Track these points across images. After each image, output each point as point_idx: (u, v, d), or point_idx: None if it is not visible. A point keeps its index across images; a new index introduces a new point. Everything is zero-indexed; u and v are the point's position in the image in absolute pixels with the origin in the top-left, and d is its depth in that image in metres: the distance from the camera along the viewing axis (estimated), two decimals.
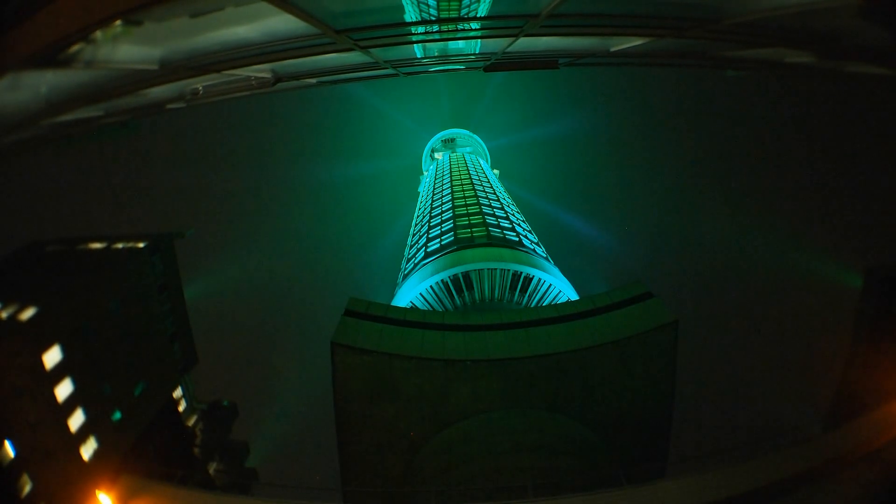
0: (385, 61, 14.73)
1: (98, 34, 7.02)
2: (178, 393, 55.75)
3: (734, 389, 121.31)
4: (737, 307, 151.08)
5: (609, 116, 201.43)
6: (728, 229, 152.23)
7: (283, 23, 8.27)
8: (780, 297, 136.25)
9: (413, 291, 43.68)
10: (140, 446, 40.52)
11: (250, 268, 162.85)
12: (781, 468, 19.36)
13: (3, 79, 7.03)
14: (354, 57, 12.52)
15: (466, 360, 28.28)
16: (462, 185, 74.66)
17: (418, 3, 11.63)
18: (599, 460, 27.78)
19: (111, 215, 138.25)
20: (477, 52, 16.42)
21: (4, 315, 34.16)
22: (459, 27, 13.32)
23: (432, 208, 67.09)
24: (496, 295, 42.03)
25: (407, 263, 54.75)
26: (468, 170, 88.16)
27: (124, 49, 8.12)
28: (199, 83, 11.78)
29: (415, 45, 14.51)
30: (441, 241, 50.59)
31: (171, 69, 9.23)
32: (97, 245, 47.30)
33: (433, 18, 12.34)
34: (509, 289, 42.26)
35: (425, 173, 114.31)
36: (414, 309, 38.73)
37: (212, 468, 57.82)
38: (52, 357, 33.92)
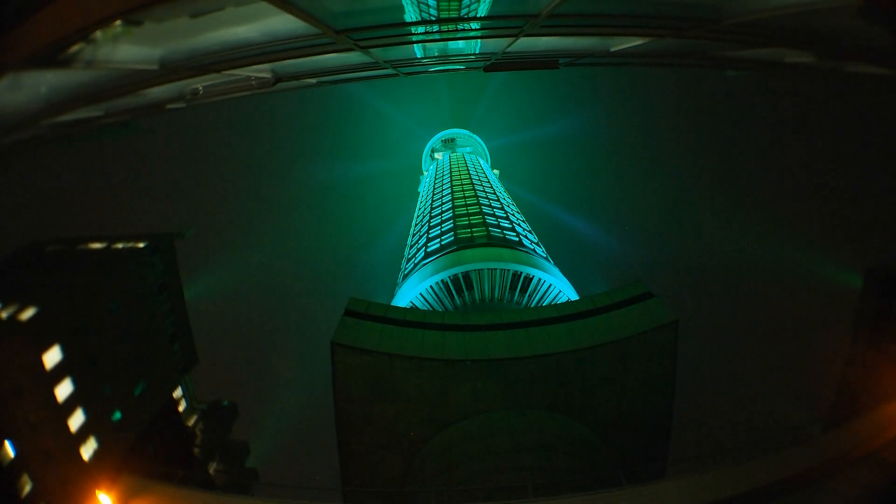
0: (385, 61, 14.73)
1: (98, 34, 7.03)
2: (178, 393, 55.75)
3: (734, 389, 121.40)
4: (737, 307, 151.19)
5: (609, 116, 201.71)
6: (728, 229, 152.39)
7: (283, 23, 8.28)
8: (780, 297, 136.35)
9: (413, 291, 43.68)
10: (140, 446, 40.52)
11: (250, 268, 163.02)
12: (781, 468, 19.35)
13: (3, 79, 7.03)
14: (354, 57, 12.52)
15: (466, 360, 28.28)
16: (462, 185, 74.65)
17: (418, 3, 11.63)
18: (599, 460, 27.78)
19: (111, 215, 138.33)
20: (477, 52, 16.42)
21: (4, 315, 34.16)
22: (459, 27, 13.32)
23: (432, 208, 67.08)
24: (496, 295, 42.03)
25: (407, 263, 54.75)
26: (468, 170, 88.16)
27: (124, 49, 8.12)
28: (199, 83, 11.79)
29: (415, 45, 14.51)
30: (441, 241, 50.59)
31: (171, 69, 9.23)
32: (97, 245, 47.31)
33: (433, 18, 12.34)
34: (509, 289, 42.26)
35: (425, 173, 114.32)
36: (414, 309, 38.73)
37: (212, 468, 57.82)
38: (52, 357, 33.91)
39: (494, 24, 11.78)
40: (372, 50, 12.20)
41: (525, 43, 12.79)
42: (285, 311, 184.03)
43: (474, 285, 42.02)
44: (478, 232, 50.35)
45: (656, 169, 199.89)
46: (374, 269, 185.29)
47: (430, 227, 58.30)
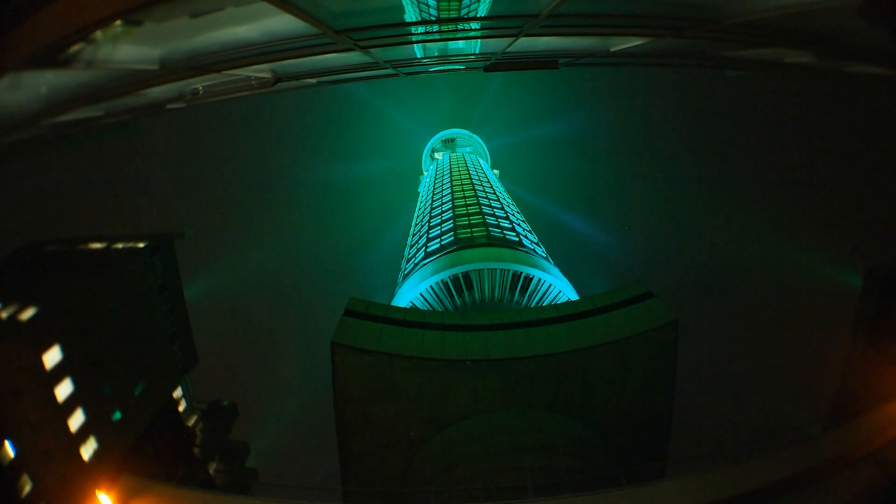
0: (385, 61, 14.73)
1: (98, 34, 7.03)
2: (178, 393, 55.73)
3: (734, 389, 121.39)
4: (737, 307, 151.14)
5: (609, 116, 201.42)
6: (728, 229, 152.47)
7: (283, 23, 8.28)
8: (781, 298, 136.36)
9: (413, 291, 43.68)
10: (140, 446, 40.52)
11: (250, 268, 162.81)
12: (781, 468, 19.35)
13: (3, 79, 7.03)
14: (354, 57, 12.52)
15: (466, 360, 28.28)
16: (462, 185, 74.65)
17: (418, 3, 11.63)
18: (599, 460, 27.79)
19: (111, 215, 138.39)
20: (477, 52, 16.42)
21: (4, 315, 34.16)
22: (459, 27, 13.32)
23: (432, 208, 67.09)
24: (496, 295, 42.03)
25: (407, 263, 54.76)
26: (468, 170, 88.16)
27: (124, 49, 8.12)
28: (199, 83, 11.79)
29: (415, 45, 14.51)
30: (441, 241, 50.59)
31: (171, 69, 9.23)
32: (97, 245, 47.30)
33: (433, 18, 12.34)
34: (509, 289, 42.26)
35: (425, 173, 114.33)
36: (414, 309, 38.74)
37: (212, 468, 57.82)
38: (52, 357, 33.91)
39: (494, 24, 11.78)
40: (372, 50, 12.20)
41: (525, 43, 12.79)
42: (285, 311, 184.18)
43: (474, 285, 42.02)
44: (478, 232, 50.35)
45: (656, 169, 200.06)
46: (374, 269, 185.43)
47: (430, 227, 58.30)
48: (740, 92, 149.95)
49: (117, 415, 38.98)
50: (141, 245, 46.52)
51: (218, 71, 10.58)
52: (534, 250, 49.27)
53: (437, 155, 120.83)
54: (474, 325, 30.61)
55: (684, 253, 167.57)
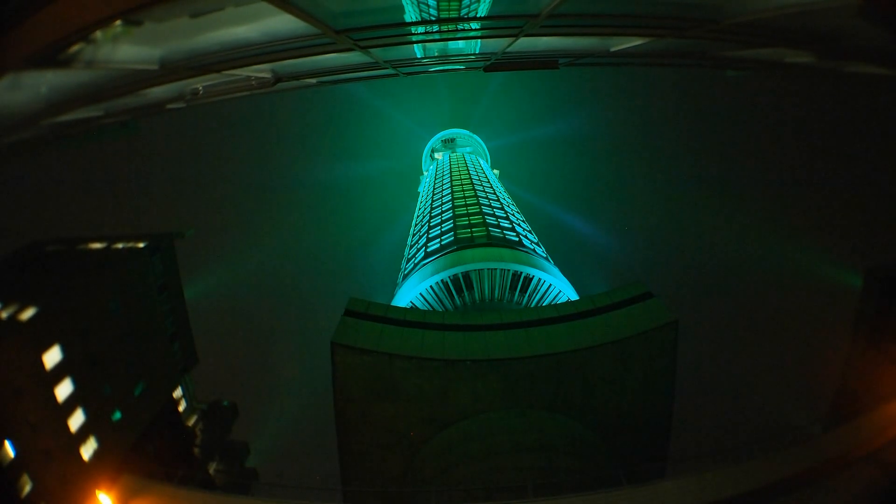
0: (385, 61, 14.73)
1: (98, 34, 7.03)
2: (178, 393, 55.70)
3: (734, 389, 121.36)
4: (737, 307, 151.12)
5: (609, 116, 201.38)
6: (728, 229, 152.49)
7: (283, 23, 8.28)
8: (781, 298, 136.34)
9: (413, 291, 43.68)
10: (140, 446, 40.52)
11: (250, 268, 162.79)
12: (781, 468, 19.35)
13: (3, 79, 7.03)
14: (354, 57, 12.52)
15: (466, 360, 28.28)
16: (462, 185, 74.66)
17: (418, 3, 11.63)
18: (599, 460, 27.79)
19: (111, 215, 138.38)
20: (477, 52, 16.42)
21: (4, 315, 34.15)
22: (459, 27, 13.33)
23: (432, 208, 67.09)
24: (496, 295, 42.03)
25: (407, 263, 54.76)
26: (468, 170, 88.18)
27: (124, 49, 8.12)
28: (199, 83, 11.78)
29: (415, 45, 14.51)
30: (441, 241, 50.60)
31: (171, 69, 9.23)
32: (97, 245, 47.30)
33: (433, 18, 12.34)
34: (509, 289, 42.26)
35: (425, 173, 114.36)
36: (414, 309, 38.74)
37: (212, 468, 57.80)
38: (52, 357, 33.91)
39: (494, 24, 11.78)
40: (372, 50, 12.21)
41: (525, 43, 12.79)
42: (285, 311, 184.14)
43: (474, 285, 42.02)
44: (478, 232, 50.36)
45: (656, 169, 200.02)
46: (374, 269, 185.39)
47: (430, 227, 58.31)
48: (740, 92, 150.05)
49: (117, 415, 38.98)
50: (141, 245, 46.52)
51: (218, 71, 10.59)
52: (534, 250, 49.27)
53: (437, 155, 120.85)
54: (474, 325, 30.62)
55: (684, 253, 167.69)
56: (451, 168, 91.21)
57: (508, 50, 13.93)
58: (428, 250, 49.93)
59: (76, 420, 35.02)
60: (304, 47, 10.28)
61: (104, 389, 38.05)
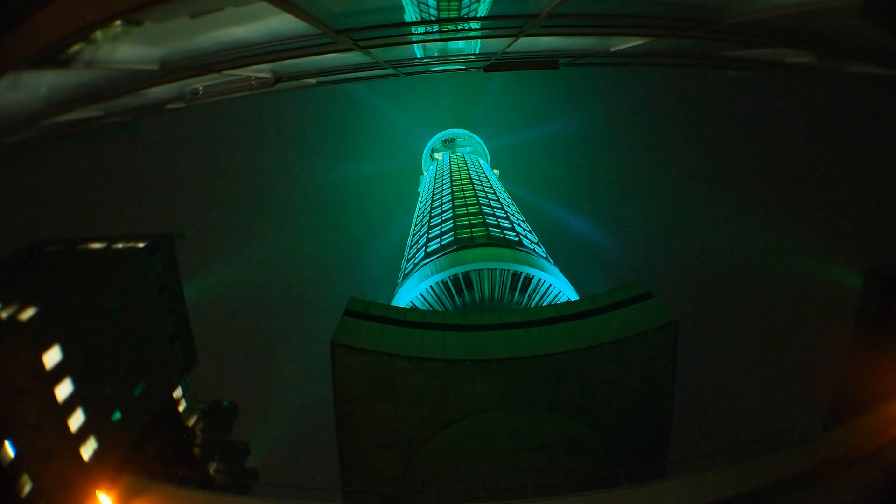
0: (385, 61, 14.73)
1: (98, 34, 7.02)
2: (178, 393, 55.70)
3: (734, 389, 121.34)
4: (737, 307, 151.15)
5: (609, 116, 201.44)
6: (728, 229, 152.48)
7: (283, 23, 8.27)
8: (781, 297, 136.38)
9: (413, 291, 43.68)
10: (140, 446, 40.52)
11: (250, 268, 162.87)
12: (781, 468, 19.34)
13: (3, 79, 7.03)
14: (354, 57, 12.52)
15: (466, 360, 28.29)
16: (462, 185, 74.67)
17: (418, 3, 11.64)
18: (599, 460, 27.78)
19: (111, 215, 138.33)
20: (477, 52, 16.43)
21: (4, 315, 34.16)
22: (459, 27, 13.33)
23: (432, 208, 67.10)
24: (496, 295, 42.03)
25: (407, 263, 54.76)
26: (468, 170, 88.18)
27: (124, 49, 8.12)
28: (199, 83, 11.78)
29: (415, 45, 14.51)
30: (441, 241, 50.60)
31: (171, 69, 9.23)
32: (97, 245, 47.30)
33: (433, 18, 12.34)
34: (509, 289, 42.27)
35: (425, 173, 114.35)
36: (414, 309, 38.74)
37: (212, 468, 57.80)
38: (52, 357, 33.92)
39: (494, 24, 11.78)
40: (372, 50, 12.21)
41: (525, 43, 12.79)
42: (285, 311, 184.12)
43: (474, 285, 42.02)
44: (478, 232, 50.36)
45: (656, 169, 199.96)
46: (374, 269, 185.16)
47: (430, 227, 58.31)
48: (740, 92, 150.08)
49: (117, 415, 38.98)
50: (141, 245, 46.52)
51: (218, 71, 10.58)
52: (534, 250, 49.28)
53: (437, 155, 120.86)
54: (474, 325, 30.62)
55: (684, 253, 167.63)
56: (451, 168, 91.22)
57: (508, 50, 13.93)
58: (428, 250, 49.93)
59: (76, 420, 35.03)
60: (304, 47, 10.28)
61: (104, 389, 38.05)
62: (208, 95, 13.35)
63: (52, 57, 7.23)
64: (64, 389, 34.48)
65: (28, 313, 34.24)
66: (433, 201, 71.14)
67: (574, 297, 43.09)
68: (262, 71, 12.02)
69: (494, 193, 72.00)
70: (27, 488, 31.84)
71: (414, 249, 56.07)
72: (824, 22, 8.93)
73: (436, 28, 13.11)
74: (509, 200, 73.94)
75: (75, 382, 35.25)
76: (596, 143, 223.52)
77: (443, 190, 75.31)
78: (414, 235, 63.33)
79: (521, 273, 42.52)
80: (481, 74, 18.95)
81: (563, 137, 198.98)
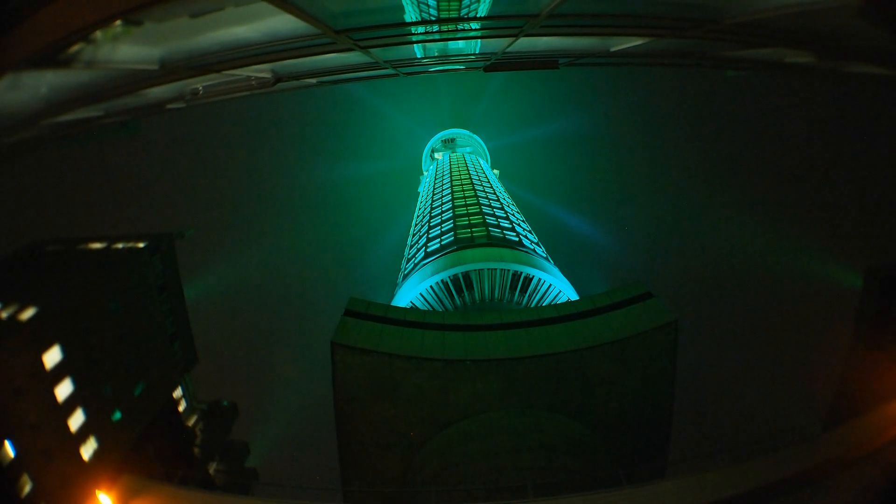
0: (385, 61, 14.73)
1: (98, 34, 7.02)
2: (178, 393, 55.70)
3: (734, 389, 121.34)
4: (737, 307, 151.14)
5: (609, 116, 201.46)
6: (728, 229, 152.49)
7: (283, 23, 8.27)
8: (781, 297, 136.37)
9: (413, 291, 43.68)
10: (140, 446, 40.52)
11: (250, 268, 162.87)
12: (781, 468, 19.33)
13: (3, 79, 7.02)
14: (354, 57, 12.52)
15: (466, 360, 28.29)
16: (462, 185, 74.67)
17: (418, 3, 11.64)
18: (599, 460, 27.78)
19: (111, 215, 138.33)
20: (477, 52, 16.43)
21: (4, 315, 34.16)
22: (459, 27, 13.33)
23: (432, 208, 67.10)
24: (496, 295, 42.03)
25: (407, 263, 54.76)
26: (468, 170, 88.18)
27: (124, 49, 8.12)
28: (199, 83, 11.78)
29: (415, 45, 14.51)
30: (441, 241, 50.60)
31: (171, 69, 9.23)
32: (97, 245, 47.30)
33: (433, 18, 12.35)
34: (509, 289, 42.26)
35: (425, 173, 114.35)
36: (414, 309, 38.74)
37: (212, 468, 57.80)
38: (52, 357, 33.91)
39: (494, 24, 11.78)
40: (372, 50, 12.21)
41: (525, 43, 12.79)
42: (285, 311, 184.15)
43: (474, 285, 42.02)
44: (478, 232, 50.36)
45: (656, 169, 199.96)
46: (374, 269, 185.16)
47: (430, 227, 58.31)
48: (740, 92, 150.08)
49: (117, 415, 38.98)
50: (141, 245, 46.52)
51: (218, 71, 10.58)
52: (534, 250, 49.28)
53: (437, 155, 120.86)
54: (474, 325, 30.62)
55: (684, 253, 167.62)
56: (451, 168, 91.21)
57: (508, 50, 13.93)
58: (428, 250, 49.93)
59: (76, 420, 35.03)
60: (304, 47, 10.28)
61: (104, 389, 38.05)
62: (208, 95, 13.35)
63: (52, 57, 7.23)
64: (64, 389, 34.47)
65: (28, 313, 34.24)
66: (433, 201, 71.14)
67: (574, 297, 43.09)
68: (262, 71, 12.02)
69: (494, 193, 72.00)
70: (27, 488, 31.84)
71: (414, 249, 56.08)
72: (824, 22, 8.93)
73: (436, 28, 13.12)
74: (509, 200, 73.95)
75: (75, 382, 35.25)
76: (596, 143, 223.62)
77: (443, 190, 75.31)
78: (414, 235, 63.33)
79: (521, 273, 42.52)
80: (481, 74, 18.95)
81: (563, 137, 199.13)
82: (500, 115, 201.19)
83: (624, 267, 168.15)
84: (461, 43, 15.56)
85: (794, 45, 10.97)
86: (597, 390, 29.06)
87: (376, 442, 29.98)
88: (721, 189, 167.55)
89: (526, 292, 42.46)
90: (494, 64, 16.54)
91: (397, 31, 11.99)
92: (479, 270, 42.39)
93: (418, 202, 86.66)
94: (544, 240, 60.39)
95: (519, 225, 57.69)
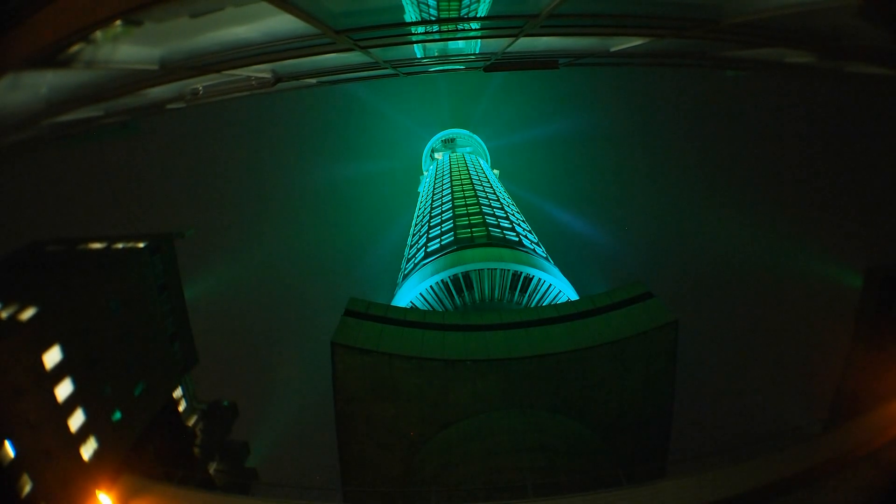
0: (385, 61, 14.73)
1: (98, 34, 7.03)
2: (178, 393, 55.73)
3: (734, 389, 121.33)
4: (737, 307, 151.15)
5: (609, 116, 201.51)
6: (728, 229, 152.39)
7: (283, 23, 8.28)
8: (781, 297, 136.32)
9: (413, 291, 43.68)
10: (140, 446, 40.51)
11: (250, 268, 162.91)
12: (781, 468, 19.34)
13: (3, 79, 7.03)
14: (354, 57, 12.52)
15: (466, 360, 28.28)
16: (462, 185, 74.66)
17: (418, 3, 11.64)
18: (599, 460, 27.78)
19: (111, 215, 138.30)
20: (477, 52, 16.43)
21: (4, 315, 34.15)
22: (459, 27, 13.33)
23: (432, 208, 67.09)
24: (496, 295, 42.03)
25: (407, 263, 54.76)
26: (468, 170, 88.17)
27: (124, 49, 8.12)
28: (199, 83, 11.78)
29: (415, 45, 14.51)
30: (441, 241, 50.60)
31: (171, 69, 9.23)
32: (97, 245, 47.29)
33: (433, 18, 12.35)
34: (509, 289, 42.26)
35: (425, 173, 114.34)
36: (414, 309, 38.73)
37: (212, 468, 57.81)
38: (52, 357, 33.90)
39: (494, 24, 11.78)
40: (372, 50, 12.21)
41: (525, 43, 12.79)
42: (285, 311, 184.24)
43: (474, 285, 42.02)
44: (478, 232, 50.36)
45: (656, 169, 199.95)
46: (374, 269, 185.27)
47: (430, 227, 58.31)
48: (740, 92, 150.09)
49: (117, 415, 38.97)
50: (141, 245, 46.51)
51: (218, 71, 10.59)
52: (534, 250, 49.27)
53: (437, 155, 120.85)
54: (474, 325, 30.61)
55: (684, 253, 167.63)
56: (451, 168, 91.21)
57: (508, 50, 13.93)
58: (428, 250, 49.93)
59: (76, 420, 35.02)
60: (304, 47, 10.28)
61: (104, 389, 38.05)
62: (208, 95, 13.35)
63: (52, 57, 7.23)
64: (64, 389, 34.46)
65: (28, 313, 34.23)
66: (433, 201, 71.14)
67: (574, 297, 43.09)
68: (262, 71, 12.02)
69: (494, 193, 72.00)
70: (27, 488, 31.83)
71: (414, 249, 56.08)
72: (824, 22, 8.94)
73: (436, 28, 13.12)
74: (509, 200, 73.95)
75: (75, 382, 35.24)
76: (596, 143, 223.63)
77: (443, 190, 75.31)
78: (414, 235, 63.33)
79: (521, 273, 42.52)
80: (481, 74, 18.95)
81: (563, 137, 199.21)
82: (500, 115, 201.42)
83: (624, 267, 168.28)
84: (461, 43, 15.56)
85: (794, 45, 10.98)
86: (597, 390, 29.05)
87: (376, 442, 29.98)
88: (721, 189, 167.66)
89: (526, 292, 42.46)
90: (494, 64, 16.54)
91: (397, 31, 11.99)
92: (479, 270, 42.39)
93: (418, 202, 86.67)
94: (544, 240, 60.43)
95: (519, 225, 57.69)
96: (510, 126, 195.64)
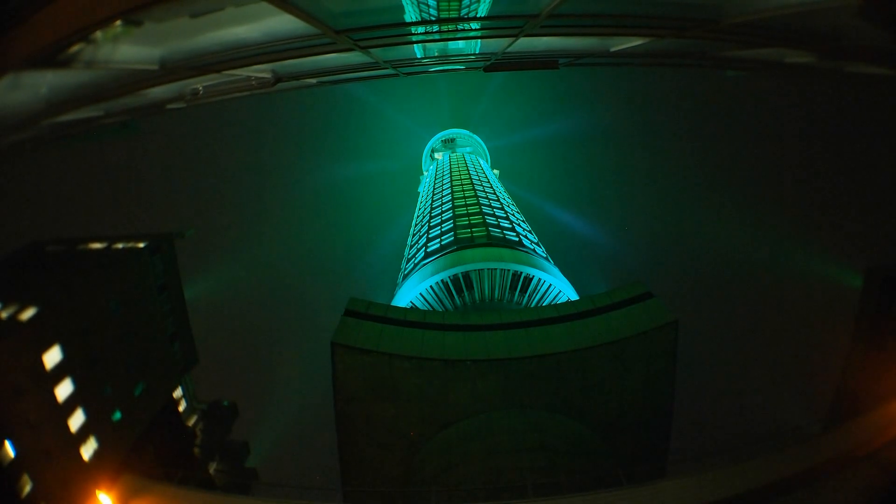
0: (385, 61, 14.73)
1: (98, 34, 7.03)
2: (178, 393, 55.73)
3: (734, 389, 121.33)
4: (737, 307, 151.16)
5: (609, 116, 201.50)
6: (728, 229, 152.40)
7: (283, 23, 8.28)
8: (781, 297, 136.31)
9: (413, 291, 43.68)
10: (140, 446, 40.50)
11: (250, 268, 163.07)
12: (781, 468, 19.34)
13: (3, 79, 7.03)
14: (354, 57, 12.52)
15: (466, 360, 28.28)
16: (462, 185, 74.66)
17: (418, 3, 11.64)
18: (599, 460, 27.78)
19: (111, 215, 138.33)
20: (477, 52, 16.43)
21: (4, 315, 34.15)
22: (459, 27, 13.33)
23: (432, 208, 67.09)
24: (496, 295, 42.03)
25: (407, 263, 54.76)
26: (468, 170, 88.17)
27: (124, 49, 8.12)
28: (199, 83, 11.78)
29: (415, 45, 14.51)
30: (441, 241, 50.60)
31: (171, 69, 9.23)
32: (97, 245, 47.29)
33: (433, 18, 12.35)
34: (509, 289, 42.26)
35: (425, 173, 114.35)
36: (414, 309, 38.73)
37: (212, 468, 57.82)
38: (52, 357, 33.90)
39: (494, 24, 11.78)
40: (372, 50, 12.21)
41: (525, 43, 12.79)
42: (286, 311, 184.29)
43: (474, 285, 42.02)
44: (478, 232, 50.36)
45: (657, 169, 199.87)
46: (374, 269, 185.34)
47: (430, 227, 58.31)
48: (740, 92, 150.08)
49: (117, 415, 38.97)
50: (141, 245, 46.50)
51: (218, 71, 10.58)
52: (534, 250, 49.27)
53: (437, 155, 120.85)
54: (474, 325, 30.61)
55: (684, 253, 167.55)
56: (451, 168, 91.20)
57: (508, 50, 13.93)
58: (428, 250, 49.93)
59: (76, 420, 35.02)
60: (304, 47, 10.28)
61: (104, 389, 38.04)
62: (208, 95, 13.35)
63: (52, 57, 7.23)
64: (64, 389, 34.46)
65: (28, 313, 34.23)
66: (433, 201, 71.14)
67: (574, 297, 43.08)
68: (262, 71, 12.02)
69: (494, 193, 71.99)
70: (27, 488, 31.84)
71: (414, 249, 56.08)
72: (824, 22, 8.94)
73: (436, 28, 13.12)
74: (509, 200, 73.95)
75: (75, 382, 35.24)
76: (596, 143, 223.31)
77: (443, 190, 75.31)
78: (414, 235, 63.33)
79: (521, 273, 42.52)
80: (481, 74, 18.95)
81: (563, 137, 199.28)
82: (500, 115, 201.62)
83: (624, 267, 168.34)
84: (461, 43, 15.56)
85: (794, 45, 10.98)
86: (597, 390, 29.05)
87: (376, 442, 29.98)
88: (721, 189, 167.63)
89: (526, 292, 42.46)
90: (494, 64, 16.54)
91: (397, 31, 11.99)
92: (479, 270, 42.39)
93: (418, 202, 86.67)
94: (544, 240, 60.43)
95: (519, 225, 57.69)
96: (510, 126, 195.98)
